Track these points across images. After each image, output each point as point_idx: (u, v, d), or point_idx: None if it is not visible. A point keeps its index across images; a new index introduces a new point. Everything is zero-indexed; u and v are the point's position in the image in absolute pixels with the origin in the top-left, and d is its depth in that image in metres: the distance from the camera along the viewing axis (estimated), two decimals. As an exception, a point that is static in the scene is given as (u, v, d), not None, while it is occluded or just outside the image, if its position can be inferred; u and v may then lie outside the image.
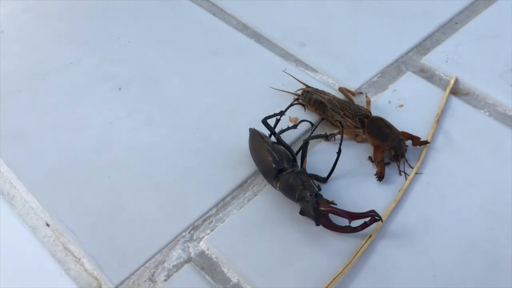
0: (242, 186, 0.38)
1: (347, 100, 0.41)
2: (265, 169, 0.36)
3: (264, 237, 0.34)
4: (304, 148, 0.35)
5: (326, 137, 0.36)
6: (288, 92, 0.43)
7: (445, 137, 0.40)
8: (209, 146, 0.40)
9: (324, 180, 0.37)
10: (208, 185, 0.37)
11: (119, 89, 0.45)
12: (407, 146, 0.38)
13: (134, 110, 0.43)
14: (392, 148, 0.37)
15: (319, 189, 0.36)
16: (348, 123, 0.39)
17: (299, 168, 0.35)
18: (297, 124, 0.38)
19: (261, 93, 0.44)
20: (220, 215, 0.36)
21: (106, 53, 0.48)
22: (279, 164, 0.34)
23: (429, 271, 0.33)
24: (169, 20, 0.52)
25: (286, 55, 0.48)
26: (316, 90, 0.42)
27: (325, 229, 0.34)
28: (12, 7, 0.54)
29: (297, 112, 0.42)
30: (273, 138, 0.37)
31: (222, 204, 0.37)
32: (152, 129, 0.41)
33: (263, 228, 0.35)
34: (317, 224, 0.33)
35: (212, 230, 0.35)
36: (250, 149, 0.37)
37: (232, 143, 0.40)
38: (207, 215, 0.36)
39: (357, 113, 0.39)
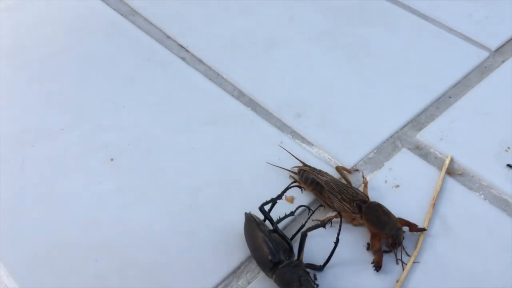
0: (235, 272, 0.36)
1: (345, 182, 0.41)
2: (260, 260, 0.35)
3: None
4: (302, 240, 0.35)
5: (324, 226, 0.36)
6: (285, 169, 0.43)
7: (442, 223, 0.40)
8: (202, 227, 0.39)
9: (320, 268, 0.36)
10: (199, 271, 0.36)
11: (111, 159, 0.44)
12: (404, 232, 0.38)
13: (125, 184, 0.42)
14: (390, 236, 0.36)
15: (315, 279, 0.35)
16: (346, 207, 0.38)
17: (295, 259, 0.34)
18: (295, 211, 0.37)
19: (257, 168, 0.43)
20: (217, 304, 0.35)
21: (99, 119, 0.47)
22: (275, 256, 0.34)
23: None
24: (165, 83, 0.51)
25: (282, 126, 0.48)
26: (313, 169, 0.41)
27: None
28: (4, 63, 0.53)
29: (293, 190, 0.42)
30: (268, 223, 0.37)
31: (224, 285, 0.35)
32: (143, 206, 0.40)
33: (257, 322, 0.34)
34: None
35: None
36: (245, 235, 0.36)
37: (226, 224, 0.39)
38: (202, 305, 0.35)
39: (354, 197, 0.38)
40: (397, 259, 0.37)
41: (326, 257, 0.36)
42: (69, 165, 0.43)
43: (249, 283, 0.36)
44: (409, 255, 0.37)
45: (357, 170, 0.43)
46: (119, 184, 0.41)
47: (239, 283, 0.36)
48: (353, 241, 0.38)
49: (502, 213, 0.41)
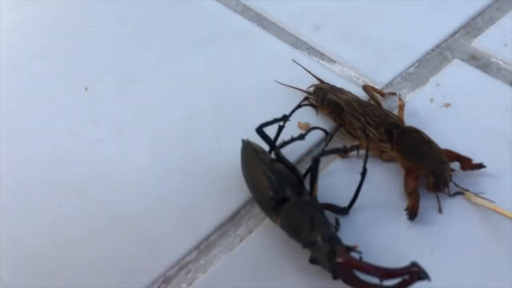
0: (233, 219, 0.28)
1: (372, 102, 0.31)
2: (260, 198, 0.26)
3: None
4: (314, 168, 0.25)
5: (345, 151, 0.27)
6: (298, 89, 0.34)
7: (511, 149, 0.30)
8: (193, 164, 0.30)
9: (345, 211, 0.27)
10: (187, 218, 0.28)
11: (85, 88, 0.36)
12: (453, 170, 0.28)
13: (100, 116, 0.34)
14: (430, 173, 0.26)
15: (337, 225, 0.26)
16: (371, 134, 0.29)
17: (307, 196, 0.25)
18: (306, 134, 0.28)
19: (263, 92, 0.34)
20: (201, 261, 0.27)
21: (75, 44, 0.39)
22: (278, 192, 0.25)
23: None
24: (152, 1, 0.42)
25: (296, 42, 0.38)
26: (333, 87, 0.32)
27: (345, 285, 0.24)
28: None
29: (308, 116, 0.32)
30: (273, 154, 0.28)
31: (205, 246, 0.27)
32: (120, 142, 0.32)
33: (261, 280, 0.25)
34: (335, 278, 0.24)
35: (190, 284, 0.26)
36: (242, 169, 0.28)
37: (222, 159, 0.30)
38: (184, 262, 0.27)
39: (383, 121, 0.28)
40: (440, 207, 0.27)
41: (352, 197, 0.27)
42: (36, 97, 0.35)
43: (250, 232, 0.27)
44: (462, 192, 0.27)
45: (393, 93, 0.33)
46: (93, 117, 0.34)
47: (238, 232, 0.27)
48: (385, 180, 0.29)
49: None
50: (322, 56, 0.37)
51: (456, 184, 0.27)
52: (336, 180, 0.29)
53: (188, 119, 0.33)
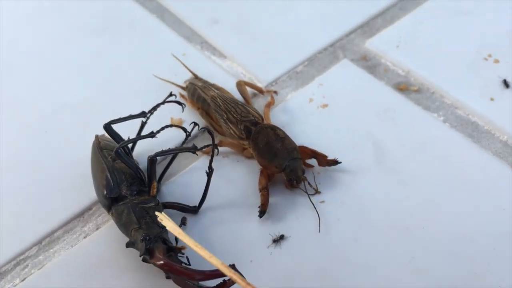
0: (82, 215, 0.27)
1: (238, 100, 0.30)
2: (98, 195, 0.26)
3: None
4: (150, 168, 0.25)
5: (194, 151, 0.26)
6: (174, 84, 0.33)
7: (376, 151, 0.29)
8: (52, 158, 0.30)
9: (195, 210, 0.26)
10: (34, 212, 0.27)
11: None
12: (312, 166, 0.28)
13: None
14: (282, 170, 0.26)
15: (183, 223, 0.26)
16: (232, 131, 0.28)
17: (147, 195, 0.25)
18: (158, 132, 0.26)
19: (146, 86, 0.33)
20: (40, 257, 0.26)
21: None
22: (112, 190, 0.24)
23: None
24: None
25: (191, 36, 0.37)
26: (205, 83, 0.31)
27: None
28: None
29: (185, 112, 0.32)
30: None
31: (48, 241, 0.27)
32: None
33: (93, 279, 0.25)
34: (167, 278, 0.23)
35: (23, 280, 0.25)
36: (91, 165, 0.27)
37: (83, 153, 0.29)
38: (22, 257, 0.26)
39: (243, 118, 0.28)
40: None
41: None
42: None
43: (97, 228, 0.27)
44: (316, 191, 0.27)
45: (274, 91, 0.33)
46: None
47: (85, 228, 0.27)
48: (245, 178, 0.28)
49: (466, 139, 0.30)
50: (214, 51, 0.36)
51: (309, 183, 0.27)
52: (198, 178, 0.29)
53: (58, 112, 0.32)
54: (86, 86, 0.34)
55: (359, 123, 0.31)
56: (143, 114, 0.28)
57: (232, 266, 0.22)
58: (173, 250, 0.23)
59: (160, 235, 0.23)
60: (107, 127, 0.26)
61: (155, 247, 0.22)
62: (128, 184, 0.25)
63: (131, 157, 0.27)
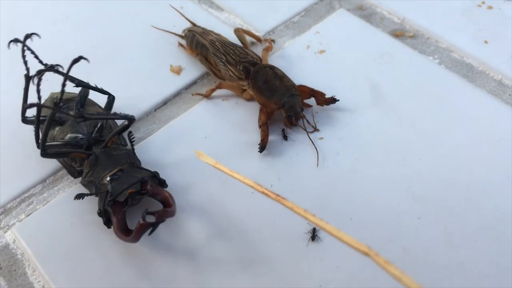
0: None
1: (237, 43, 0.30)
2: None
3: (95, 226, 0.25)
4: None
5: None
6: (172, 33, 0.33)
7: (374, 92, 0.30)
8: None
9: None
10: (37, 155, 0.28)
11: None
12: (310, 106, 0.28)
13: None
14: (280, 106, 0.26)
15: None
16: (231, 73, 0.28)
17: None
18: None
19: (142, 38, 0.34)
20: (45, 194, 0.26)
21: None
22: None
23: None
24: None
25: (188, -10, 0.38)
26: (203, 30, 0.31)
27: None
28: None
29: (183, 59, 0.32)
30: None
31: (53, 179, 0.27)
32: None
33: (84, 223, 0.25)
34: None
35: (28, 215, 0.26)
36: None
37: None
38: (27, 194, 0.26)
39: (242, 59, 0.28)
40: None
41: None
42: None
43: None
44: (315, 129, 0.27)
45: (271, 40, 0.33)
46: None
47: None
48: (245, 118, 0.29)
49: (461, 79, 0.30)
50: (211, 3, 0.36)
51: (307, 121, 0.27)
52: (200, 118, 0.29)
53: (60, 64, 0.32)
54: (86, 39, 0.34)
55: (356, 67, 0.31)
56: (27, 77, 0.26)
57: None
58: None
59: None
60: (24, 120, 0.26)
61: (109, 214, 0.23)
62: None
63: None
